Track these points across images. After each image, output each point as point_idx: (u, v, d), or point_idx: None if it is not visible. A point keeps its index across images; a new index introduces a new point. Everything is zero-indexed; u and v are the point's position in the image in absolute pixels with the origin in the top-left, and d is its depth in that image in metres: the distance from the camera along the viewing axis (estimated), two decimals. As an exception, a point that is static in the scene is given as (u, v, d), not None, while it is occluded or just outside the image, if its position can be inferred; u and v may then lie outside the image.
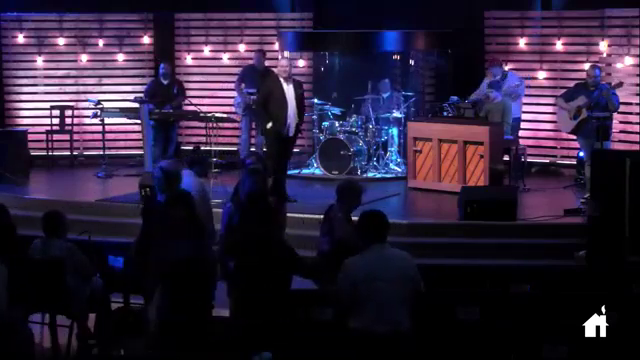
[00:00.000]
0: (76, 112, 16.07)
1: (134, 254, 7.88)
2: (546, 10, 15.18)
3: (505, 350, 6.69)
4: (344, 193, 8.44)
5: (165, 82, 15.06)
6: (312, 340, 6.77)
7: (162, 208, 7.65)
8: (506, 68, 14.65)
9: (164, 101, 14.77)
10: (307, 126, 15.37)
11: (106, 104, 14.66)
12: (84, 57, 16.15)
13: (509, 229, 11.25)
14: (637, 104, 13.97)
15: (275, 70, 12.56)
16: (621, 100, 13.04)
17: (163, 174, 8.32)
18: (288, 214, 11.47)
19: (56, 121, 16.01)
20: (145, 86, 15.38)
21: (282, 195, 12.05)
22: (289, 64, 12.42)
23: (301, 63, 15.87)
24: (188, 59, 16.33)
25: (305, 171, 14.65)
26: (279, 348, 6.49)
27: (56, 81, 16.20)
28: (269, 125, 12.09)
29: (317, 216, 11.48)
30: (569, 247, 10.60)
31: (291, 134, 12.26)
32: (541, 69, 15.00)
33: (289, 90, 12.12)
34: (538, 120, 14.99)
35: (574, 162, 14.29)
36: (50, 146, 15.85)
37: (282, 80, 12.13)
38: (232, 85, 15.66)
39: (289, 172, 14.63)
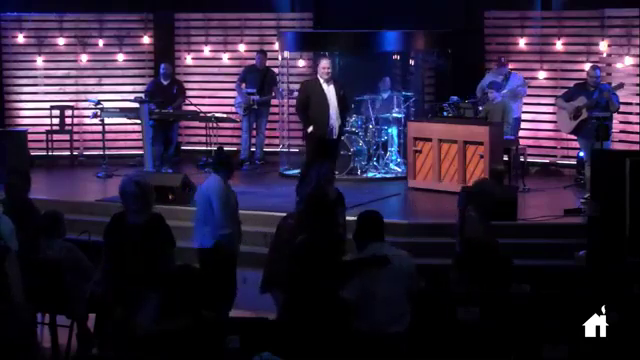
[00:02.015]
0: (76, 112, 16.07)
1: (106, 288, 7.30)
2: (546, 10, 15.18)
3: (505, 350, 6.69)
4: (474, 194, 8.29)
5: (165, 82, 15.09)
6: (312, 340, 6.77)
7: (136, 232, 6.95)
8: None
9: (165, 101, 14.79)
10: (307, 126, 15.41)
11: (106, 104, 14.67)
12: (84, 57, 16.16)
13: (509, 229, 11.25)
14: (637, 104, 13.97)
15: (319, 71, 12.08)
16: (621, 100, 13.04)
17: (140, 190, 7.15)
18: (281, 213, 11.43)
19: (56, 121, 16.02)
20: (145, 86, 15.40)
21: None
22: (330, 65, 12.12)
23: (301, 63, 15.87)
24: (188, 59, 16.33)
25: (305, 171, 14.63)
26: (279, 348, 6.49)
27: (56, 81, 16.20)
28: (310, 129, 11.82)
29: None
30: (569, 247, 10.59)
31: (335, 136, 12.03)
32: (541, 69, 15.00)
33: (330, 91, 11.87)
34: (538, 120, 14.99)
35: (574, 162, 14.29)
36: (50, 146, 15.86)
37: (322, 81, 11.85)
38: (232, 85, 15.68)
39: (290, 172, 14.69)
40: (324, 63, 12.12)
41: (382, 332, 6.56)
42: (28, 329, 6.89)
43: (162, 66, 15.22)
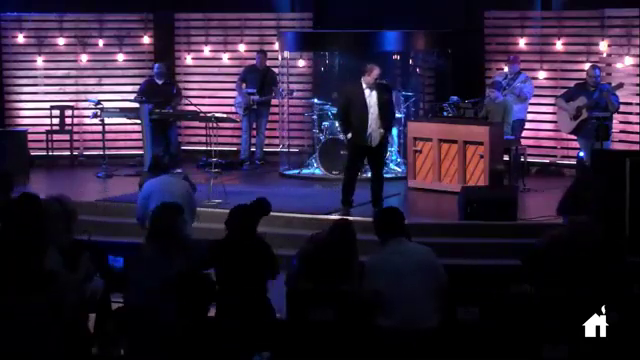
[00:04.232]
0: (76, 112, 16.07)
1: None
2: (546, 10, 15.17)
3: (505, 350, 6.69)
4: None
5: (159, 82, 15.05)
6: (312, 340, 6.78)
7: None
8: (505, 68, 14.65)
9: (164, 101, 14.78)
10: (307, 126, 15.41)
11: (106, 104, 14.67)
12: (84, 57, 16.15)
13: (509, 229, 11.25)
14: (637, 104, 13.96)
15: (364, 79, 11.50)
16: (621, 100, 13.05)
17: (65, 210, 6.83)
18: (281, 213, 11.55)
19: (56, 121, 16.01)
20: (139, 86, 15.34)
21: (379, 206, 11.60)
22: (379, 72, 11.52)
23: (301, 63, 15.86)
24: (188, 59, 16.33)
25: (305, 171, 14.65)
26: (279, 348, 6.50)
27: (56, 81, 16.19)
28: (349, 136, 11.62)
29: (309, 216, 11.56)
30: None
31: (374, 144, 11.55)
32: (541, 69, 14.99)
33: (371, 97, 11.43)
34: (538, 120, 14.98)
35: (574, 162, 14.28)
36: (50, 146, 15.86)
37: (365, 87, 11.44)
38: (232, 85, 15.67)
39: (289, 172, 14.69)
40: (375, 72, 11.45)
41: (408, 329, 6.56)
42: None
43: (156, 65, 15.21)
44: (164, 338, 6.28)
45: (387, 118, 11.56)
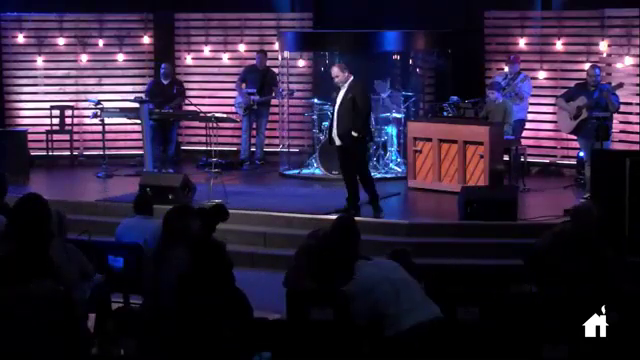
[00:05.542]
0: (76, 112, 16.08)
1: None
2: (546, 10, 15.18)
3: (505, 350, 6.69)
4: None
5: (166, 82, 15.11)
6: (312, 340, 6.77)
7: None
8: (505, 68, 14.65)
9: (164, 101, 14.80)
10: (307, 126, 15.40)
11: (106, 104, 14.67)
12: (84, 57, 16.16)
13: (509, 229, 11.25)
14: (637, 104, 13.96)
15: None
16: (621, 100, 13.04)
17: (58, 216, 7.18)
18: (281, 213, 11.67)
19: (56, 121, 16.01)
20: (146, 86, 15.40)
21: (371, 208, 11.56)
22: (337, 72, 11.44)
23: (301, 63, 15.86)
24: (188, 59, 16.33)
25: (305, 171, 14.65)
26: (279, 348, 6.50)
27: (56, 81, 16.20)
28: None
29: (309, 216, 11.56)
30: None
31: (337, 143, 11.52)
32: (541, 69, 15.00)
33: (339, 96, 11.45)
34: (538, 120, 14.98)
35: (574, 162, 14.28)
36: (50, 146, 15.86)
37: (340, 86, 11.48)
38: (232, 85, 15.68)
39: (289, 172, 14.68)
40: (333, 72, 11.53)
41: (418, 324, 6.58)
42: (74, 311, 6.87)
43: (162, 66, 15.25)
44: (176, 338, 6.33)
45: (339, 120, 11.41)
